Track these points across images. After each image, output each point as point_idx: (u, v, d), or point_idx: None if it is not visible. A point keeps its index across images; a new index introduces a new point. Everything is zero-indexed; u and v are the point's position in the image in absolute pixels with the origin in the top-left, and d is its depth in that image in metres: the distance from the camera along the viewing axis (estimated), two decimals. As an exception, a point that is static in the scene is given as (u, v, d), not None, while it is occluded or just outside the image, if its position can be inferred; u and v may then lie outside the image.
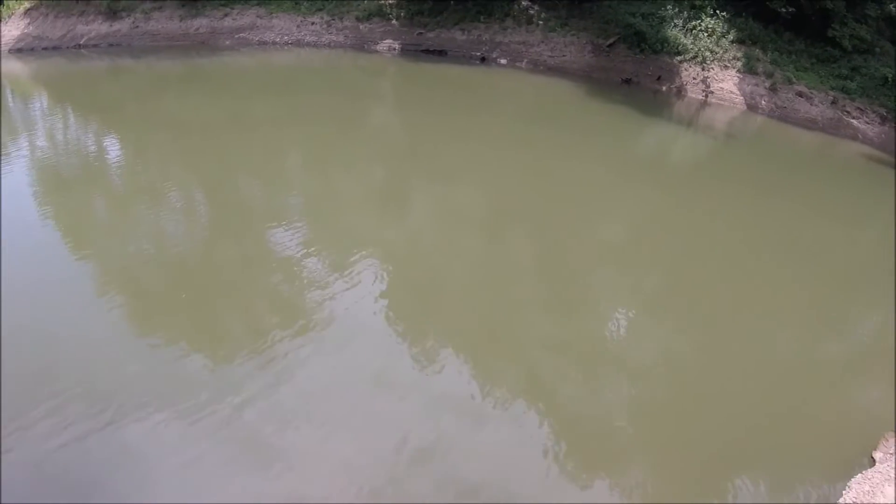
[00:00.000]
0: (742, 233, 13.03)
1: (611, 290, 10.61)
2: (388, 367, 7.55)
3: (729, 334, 9.22)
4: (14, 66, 22.88)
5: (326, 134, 16.37)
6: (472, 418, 6.88)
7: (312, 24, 27.05)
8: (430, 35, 27.00)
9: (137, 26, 26.18)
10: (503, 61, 26.40)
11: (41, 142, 14.81)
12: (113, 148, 14.64)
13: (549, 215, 12.60)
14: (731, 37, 25.02)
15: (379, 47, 26.81)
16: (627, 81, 25.31)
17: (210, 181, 12.68)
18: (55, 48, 25.00)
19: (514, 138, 17.98)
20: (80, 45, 25.46)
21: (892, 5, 24.58)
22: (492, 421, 6.86)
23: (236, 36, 26.51)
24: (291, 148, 15.68)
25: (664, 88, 25.21)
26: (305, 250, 9.96)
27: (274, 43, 26.63)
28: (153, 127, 15.71)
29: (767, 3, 24.75)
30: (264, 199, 12.26)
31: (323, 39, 26.83)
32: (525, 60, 26.02)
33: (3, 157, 12.99)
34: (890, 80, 23.10)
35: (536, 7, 26.96)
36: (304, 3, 27.47)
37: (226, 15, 26.85)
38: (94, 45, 25.56)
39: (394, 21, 27.19)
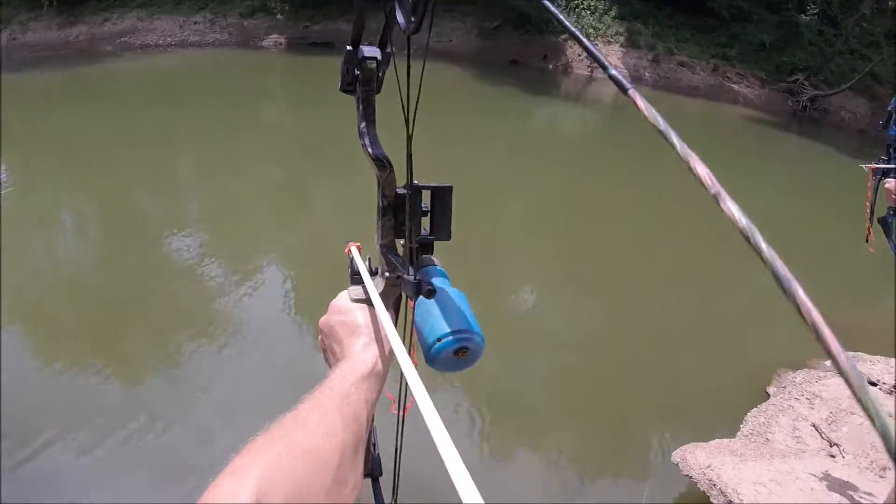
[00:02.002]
0: (633, 200, 13.20)
1: (515, 265, 10.81)
2: (300, 369, 7.55)
3: (632, 300, 9.56)
4: None
5: (218, 138, 15.88)
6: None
7: (195, 23, 26.43)
8: (316, 28, 26.59)
9: (15, 38, 25.16)
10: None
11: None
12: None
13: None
14: (613, 13, 25.29)
15: (265, 43, 26.35)
16: (515, 62, 25.33)
17: (103, 197, 12.24)
18: (-76, 65, 23.79)
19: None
20: (-47, 59, 24.32)
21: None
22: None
23: (118, 41, 25.70)
24: (183, 155, 15.16)
25: (551, 67, 25.34)
26: (207, 258, 9.74)
27: (157, 45, 25.89)
28: (40, 145, 15.03)
29: (647, -23, 25.27)
30: (160, 210, 11.83)
31: (207, 39, 26.21)
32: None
33: None
34: (767, 45, 23.62)
35: (421, -6, 26.85)
36: (186, 3, 26.82)
37: (105, 20, 26.06)
38: (-30, 60, 24.46)
39: (279, 15, 26.80)
